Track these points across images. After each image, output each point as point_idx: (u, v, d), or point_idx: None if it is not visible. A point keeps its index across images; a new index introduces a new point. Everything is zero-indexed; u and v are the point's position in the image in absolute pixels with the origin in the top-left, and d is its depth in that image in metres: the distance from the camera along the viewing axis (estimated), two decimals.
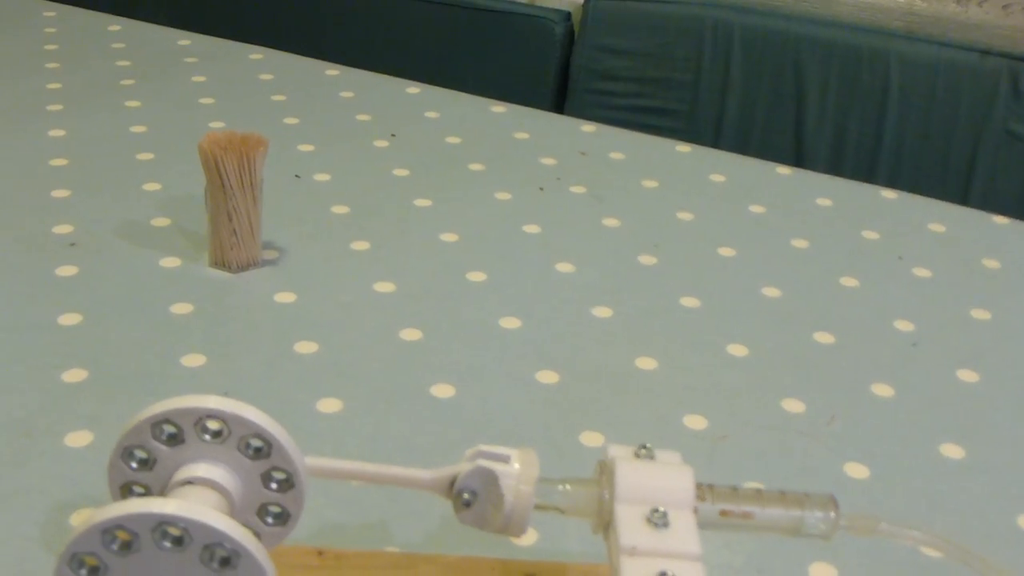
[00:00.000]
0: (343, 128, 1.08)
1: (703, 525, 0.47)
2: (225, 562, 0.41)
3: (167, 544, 0.40)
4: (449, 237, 0.89)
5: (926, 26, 1.43)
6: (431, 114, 1.13)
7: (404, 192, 0.96)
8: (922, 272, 0.90)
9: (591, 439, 0.68)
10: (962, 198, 1.36)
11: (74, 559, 0.41)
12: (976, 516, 0.64)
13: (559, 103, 1.55)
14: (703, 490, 0.47)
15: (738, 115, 1.48)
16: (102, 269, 0.82)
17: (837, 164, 1.43)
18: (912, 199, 1.03)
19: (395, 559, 0.54)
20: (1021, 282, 0.90)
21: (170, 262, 0.83)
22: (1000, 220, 1.00)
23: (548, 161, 1.04)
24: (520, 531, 0.47)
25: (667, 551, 0.44)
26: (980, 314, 0.84)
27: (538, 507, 0.47)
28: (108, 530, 0.40)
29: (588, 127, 1.13)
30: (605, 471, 0.47)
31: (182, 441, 0.45)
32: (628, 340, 0.78)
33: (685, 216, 0.96)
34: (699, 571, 0.43)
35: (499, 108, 1.16)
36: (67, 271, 0.81)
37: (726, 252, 0.90)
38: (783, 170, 1.07)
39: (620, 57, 1.50)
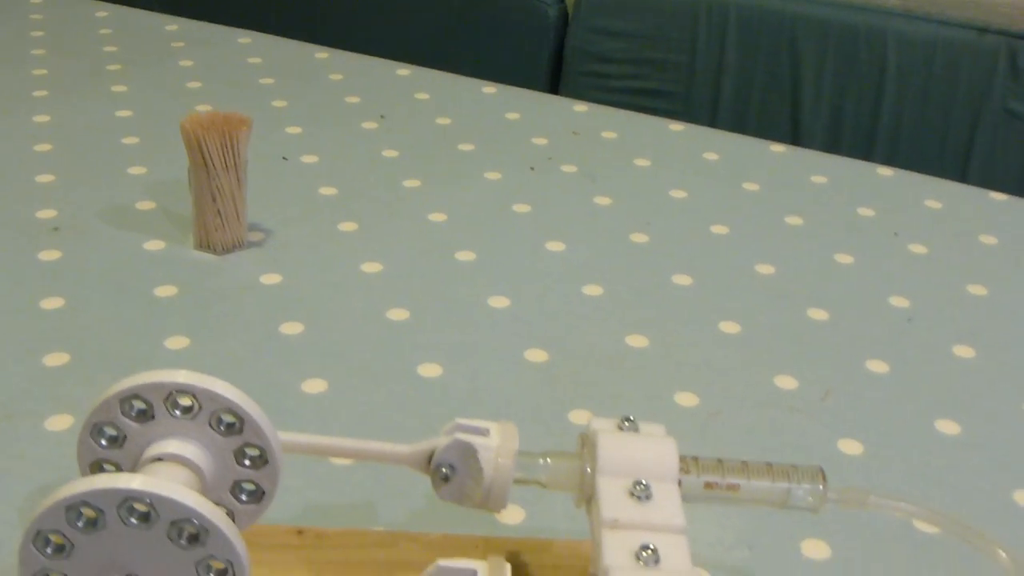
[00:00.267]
0: (332, 110, 1.07)
1: (688, 498, 0.46)
2: (193, 539, 0.40)
3: (133, 521, 0.39)
4: (438, 217, 0.88)
5: (923, 4, 1.41)
6: (421, 95, 1.12)
7: (393, 173, 0.95)
8: (918, 248, 0.89)
9: (581, 418, 0.66)
10: (961, 177, 1.34)
11: (39, 536, 0.40)
12: (971, 492, 0.63)
13: (554, 86, 1.54)
14: (687, 462, 0.46)
15: (734, 96, 1.47)
16: (85, 253, 0.81)
17: (834, 144, 1.42)
18: (908, 176, 1.02)
19: (376, 537, 0.53)
20: (1018, 258, 0.88)
21: (154, 245, 0.82)
22: (998, 196, 0.99)
23: (540, 141, 1.03)
24: (500, 506, 0.46)
25: (650, 524, 0.43)
26: (976, 290, 0.83)
27: (519, 481, 0.46)
28: (73, 507, 0.39)
29: (580, 107, 1.11)
30: (587, 444, 0.46)
31: (152, 417, 0.44)
32: (619, 318, 0.77)
33: (678, 194, 0.95)
34: (682, 544, 0.42)
35: (490, 89, 1.14)
36: (50, 255, 0.80)
37: (719, 230, 0.89)
38: (777, 148, 1.06)
39: (615, 39, 1.49)
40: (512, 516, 0.58)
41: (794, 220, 0.92)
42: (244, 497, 0.46)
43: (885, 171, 1.02)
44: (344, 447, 0.47)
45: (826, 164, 1.03)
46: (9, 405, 0.65)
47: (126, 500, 0.39)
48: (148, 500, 0.39)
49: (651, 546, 0.42)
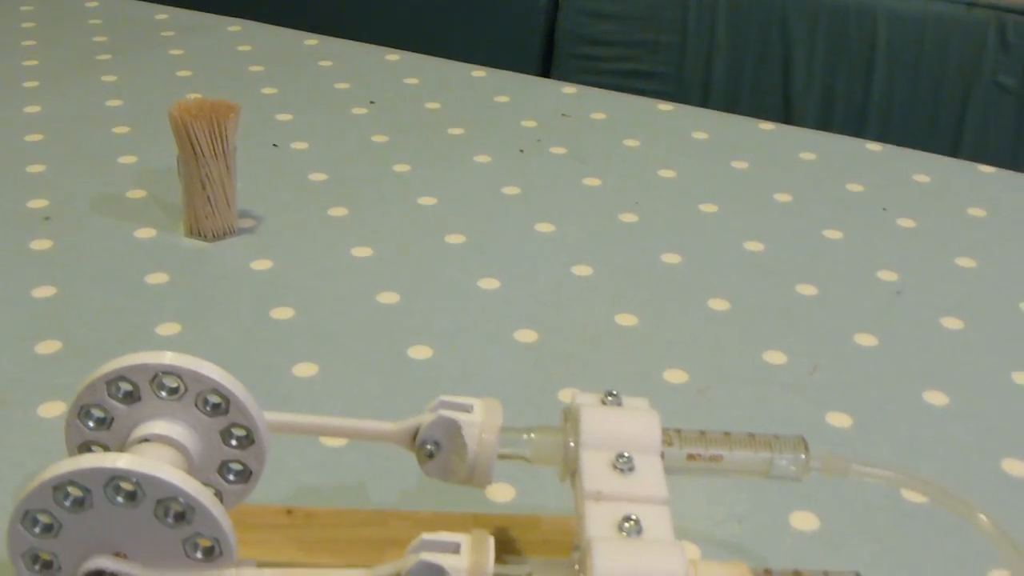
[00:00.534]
0: (321, 97, 1.07)
1: (671, 470, 0.46)
2: (180, 517, 0.40)
3: (120, 500, 0.40)
4: (427, 201, 0.89)
5: None
6: (411, 80, 1.12)
7: (383, 158, 0.95)
8: (907, 223, 0.89)
9: (571, 396, 0.67)
10: (952, 152, 1.35)
11: (27, 516, 0.40)
12: (960, 462, 0.63)
13: (545, 69, 1.54)
14: (670, 435, 0.46)
15: (725, 76, 1.47)
16: (76, 242, 0.81)
17: (826, 122, 1.42)
18: (897, 151, 1.02)
19: (366, 516, 0.53)
20: (1007, 230, 0.89)
21: (145, 233, 0.82)
22: (986, 169, 0.99)
23: (529, 124, 1.03)
24: (485, 481, 0.46)
25: (633, 496, 0.43)
26: (965, 262, 0.83)
27: (503, 456, 0.46)
28: (60, 486, 0.40)
29: (569, 89, 1.12)
30: (570, 418, 0.47)
31: (138, 399, 0.45)
32: (608, 297, 0.77)
33: (667, 174, 0.95)
34: (665, 515, 0.43)
35: (480, 72, 1.14)
36: (41, 244, 0.80)
37: (708, 208, 0.89)
38: (766, 126, 1.06)
39: (605, 21, 1.49)
40: (502, 494, 0.59)
41: (783, 197, 0.92)
42: (231, 477, 0.46)
43: (874, 147, 1.02)
44: (330, 426, 0.47)
45: (815, 141, 1.03)
46: (1, 393, 0.65)
47: (112, 479, 0.39)
48: (134, 479, 0.39)
49: (633, 517, 0.42)
